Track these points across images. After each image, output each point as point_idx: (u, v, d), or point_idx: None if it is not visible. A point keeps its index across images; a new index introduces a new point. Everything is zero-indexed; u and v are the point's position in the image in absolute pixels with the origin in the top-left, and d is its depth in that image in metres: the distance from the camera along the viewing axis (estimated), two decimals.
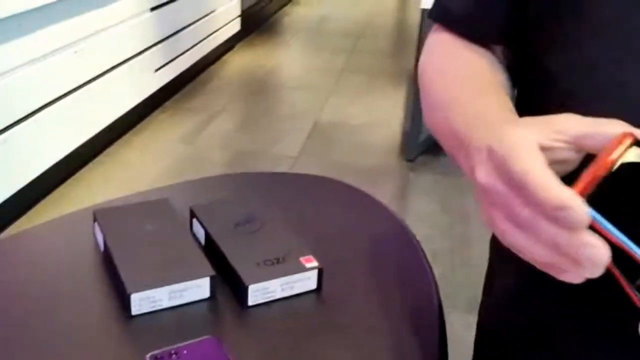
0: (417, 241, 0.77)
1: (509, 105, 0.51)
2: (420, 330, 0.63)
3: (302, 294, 0.67)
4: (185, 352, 0.57)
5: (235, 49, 4.50)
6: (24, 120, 2.16)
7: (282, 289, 0.66)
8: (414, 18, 5.16)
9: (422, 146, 2.95)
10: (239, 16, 4.44)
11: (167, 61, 3.36)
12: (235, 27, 4.41)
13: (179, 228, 0.74)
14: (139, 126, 3.17)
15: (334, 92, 3.85)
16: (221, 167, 2.88)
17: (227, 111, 3.57)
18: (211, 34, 3.98)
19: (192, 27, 3.66)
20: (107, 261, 0.70)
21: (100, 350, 0.59)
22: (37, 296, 0.66)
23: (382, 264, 0.73)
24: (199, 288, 0.65)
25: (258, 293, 0.65)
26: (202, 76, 3.96)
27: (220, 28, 4.14)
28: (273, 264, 0.67)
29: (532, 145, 0.38)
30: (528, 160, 0.38)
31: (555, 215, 0.36)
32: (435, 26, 0.65)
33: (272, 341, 0.61)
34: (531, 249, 0.38)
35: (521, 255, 0.40)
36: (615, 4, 0.48)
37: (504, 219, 0.39)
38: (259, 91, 3.93)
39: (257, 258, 0.68)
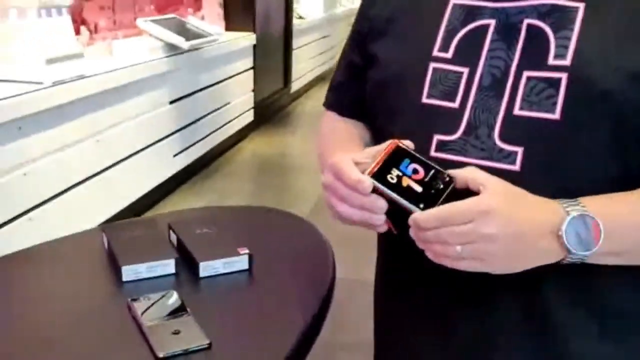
0: (328, 243, 1.09)
1: (355, 147, 0.85)
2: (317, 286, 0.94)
3: (238, 271, 0.99)
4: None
5: (249, 137, 4.95)
6: (49, 201, 2.53)
7: (224, 267, 0.98)
8: None
9: None
10: (252, 108, 4.92)
11: (185, 147, 3.79)
12: (248, 117, 4.88)
13: (160, 235, 1.07)
14: (157, 206, 3.55)
15: None
16: None
17: (239, 191, 3.95)
18: (226, 123, 4.45)
19: (208, 117, 4.13)
20: (110, 256, 1.03)
21: (100, 301, 0.91)
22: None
23: (296, 257, 1.06)
24: (167, 265, 0.97)
25: (207, 268, 0.97)
26: (218, 161, 4.39)
27: (234, 118, 4.61)
28: (219, 251, 1.00)
29: (347, 159, 0.72)
30: (343, 164, 0.71)
31: (356, 187, 0.69)
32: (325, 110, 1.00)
33: (218, 303, 0.93)
34: (350, 213, 0.71)
35: (346, 221, 0.72)
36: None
37: (337, 201, 0.72)
38: (269, 173, 4.32)
39: (208, 248, 1.01)
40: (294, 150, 4.92)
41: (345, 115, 0.94)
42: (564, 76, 0.70)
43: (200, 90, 3.96)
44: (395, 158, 0.70)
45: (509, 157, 0.71)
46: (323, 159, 0.90)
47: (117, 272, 0.96)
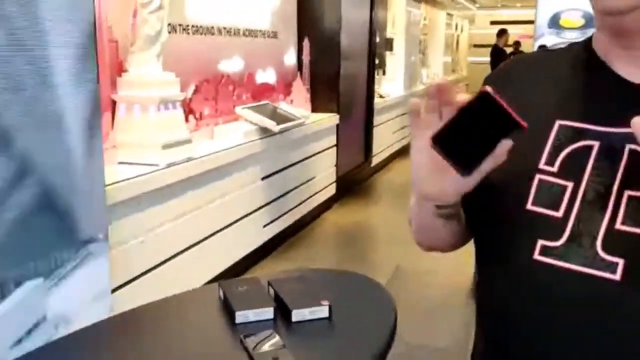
0: (393, 302, 1.38)
1: None
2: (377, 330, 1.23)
3: (321, 318, 1.29)
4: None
5: (332, 209, 5.30)
6: (160, 265, 2.93)
7: (310, 314, 1.29)
8: None
9: None
10: (335, 182, 5.30)
11: (274, 218, 4.18)
12: (331, 190, 5.25)
13: (262, 289, 1.40)
14: (248, 271, 3.92)
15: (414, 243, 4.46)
16: None
17: (321, 259, 4.27)
18: (311, 196, 4.82)
19: (295, 191, 4.52)
20: (226, 304, 1.36)
21: (214, 340, 1.24)
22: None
23: (367, 313, 1.35)
24: (268, 312, 1.29)
25: (297, 315, 1.28)
26: (303, 231, 4.74)
27: (318, 192, 4.98)
28: (307, 302, 1.31)
29: None
30: None
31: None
32: None
33: (305, 341, 1.23)
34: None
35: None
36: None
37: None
38: (349, 243, 4.63)
39: (298, 299, 1.32)
40: (374, 220, 5.22)
41: None
42: None
43: (289, 166, 4.38)
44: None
45: (610, 266, 0.76)
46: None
47: (232, 316, 1.29)
